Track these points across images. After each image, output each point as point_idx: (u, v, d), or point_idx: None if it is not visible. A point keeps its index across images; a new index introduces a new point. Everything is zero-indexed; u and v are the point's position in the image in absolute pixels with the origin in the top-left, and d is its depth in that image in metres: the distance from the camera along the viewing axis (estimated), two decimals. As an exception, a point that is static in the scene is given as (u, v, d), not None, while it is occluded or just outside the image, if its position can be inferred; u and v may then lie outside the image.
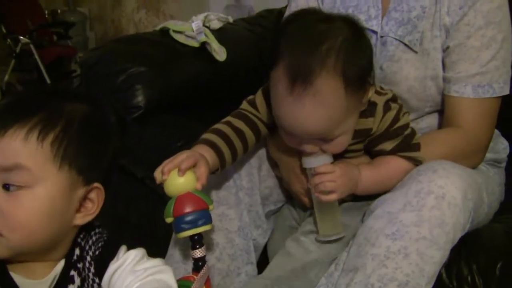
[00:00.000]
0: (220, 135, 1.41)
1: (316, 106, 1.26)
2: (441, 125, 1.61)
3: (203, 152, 1.34)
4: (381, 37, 1.57)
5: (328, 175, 1.35)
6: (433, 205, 1.29)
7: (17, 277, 1.05)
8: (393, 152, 1.41)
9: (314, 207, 1.43)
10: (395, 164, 1.42)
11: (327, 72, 1.25)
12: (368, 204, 1.44)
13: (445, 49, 1.54)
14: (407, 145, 1.41)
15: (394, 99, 1.44)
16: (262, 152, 1.57)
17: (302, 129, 1.29)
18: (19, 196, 1.00)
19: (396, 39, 1.56)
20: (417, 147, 1.42)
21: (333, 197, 1.37)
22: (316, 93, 1.24)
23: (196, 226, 1.23)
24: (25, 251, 1.04)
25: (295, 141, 1.36)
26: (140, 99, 2.09)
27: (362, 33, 1.34)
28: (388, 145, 1.41)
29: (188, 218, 1.23)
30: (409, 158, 1.41)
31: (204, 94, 2.26)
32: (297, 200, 1.55)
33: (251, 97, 1.51)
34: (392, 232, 1.30)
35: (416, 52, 1.55)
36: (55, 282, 1.08)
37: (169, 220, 1.25)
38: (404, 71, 1.56)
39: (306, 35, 1.29)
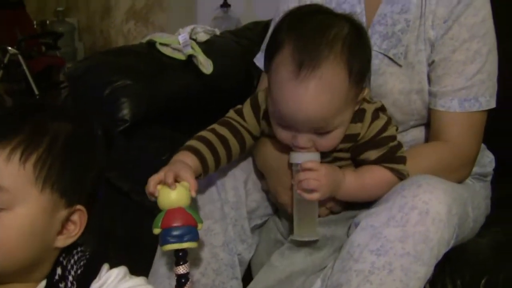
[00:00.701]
0: (203, 141, 1.43)
1: (320, 90, 1.27)
2: (427, 139, 1.61)
3: (185, 159, 1.36)
4: None
5: (313, 173, 1.34)
6: (417, 220, 1.28)
7: None
8: (377, 161, 1.41)
9: (293, 206, 1.42)
10: (379, 174, 1.41)
11: (334, 58, 1.27)
12: (353, 218, 1.43)
13: (430, 63, 1.54)
14: (392, 157, 1.41)
15: (383, 109, 1.45)
16: (248, 165, 1.57)
17: (303, 115, 1.29)
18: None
19: (380, 52, 1.56)
20: (402, 160, 1.42)
21: (315, 196, 1.35)
22: (321, 77, 1.26)
23: (182, 241, 1.22)
24: (5, 271, 1.02)
25: (288, 135, 1.36)
26: (125, 112, 2.08)
27: (364, 31, 1.37)
28: (373, 154, 1.41)
29: (175, 232, 1.22)
30: (393, 170, 1.40)
31: (190, 107, 2.26)
32: (283, 212, 1.54)
33: (238, 106, 1.52)
34: (377, 248, 1.29)
35: (400, 65, 1.55)
36: None
37: (156, 231, 1.25)
38: (389, 84, 1.56)
39: (310, 22, 1.32)
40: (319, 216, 1.45)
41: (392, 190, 1.37)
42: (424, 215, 1.28)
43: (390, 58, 1.56)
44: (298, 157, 1.37)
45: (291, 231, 1.50)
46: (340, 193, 1.40)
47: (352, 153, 1.45)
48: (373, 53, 1.55)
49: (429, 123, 1.59)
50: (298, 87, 1.27)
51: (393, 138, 1.42)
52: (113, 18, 5.31)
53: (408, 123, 1.59)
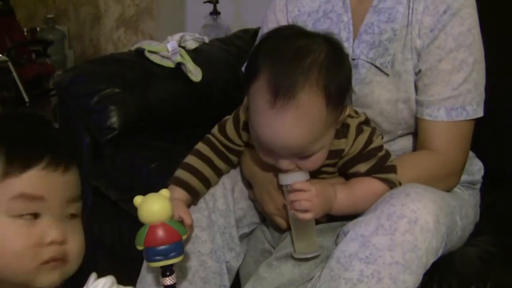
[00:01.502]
0: (188, 170, 1.49)
1: (297, 120, 1.26)
2: (414, 147, 1.61)
3: (174, 195, 1.40)
4: (353, 59, 1.57)
5: (304, 194, 1.34)
6: (406, 229, 1.28)
7: None
8: (368, 173, 1.41)
9: (291, 224, 1.42)
10: (370, 186, 1.40)
11: (309, 87, 1.25)
12: (343, 225, 1.42)
13: (417, 72, 1.54)
14: (382, 167, 1.41)
15: (366, 122, 1.44)
16: (235, 174, 1.57)
17: (281, 143, 1.29)
18: (78, 224, 1.08)
19: (367, 61, 1.56)
20: (392, 169, 1.42)
21: (308, 216, 1.35)
22: (298, 106, 1.25)
23: (167, 258, 1.21)
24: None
25: (271, 158, 1.36)
26: (114, 120, 2.08)
27: (342, 51, 1.35)
28: (362, 167, 1.41)
29: (159, 250, 1.20)
30: (384, 180, 1.40)
31: (179, 115, 2.26)
32: (270, 221, 1.53)
33: (223, 120, 1.52)
34: (366, 256, 1.29)
35: (387, 74, 1.55)
36: None
37: (140, 248, 1.23)
38: (375, 93, 1.56)
39: (287, 48, 1.29)
40: None
41: (380, 199, 1.37)
42: (413, 224, 1.28)
43: (377, 67, 1.56)
44: (287, 179, 1.37)
45: (279, 240, 1.50)
46: (334, 209, 1.40)
47: (341, 168, 1.45)
48: (360, 62, 1.56)
49: (417, 132, 1.59)
50: (275, 117, 1.26)
51: (380, 148, 1.42)
52: (102, 26, 5.30)
53: (396, 132, 1.59)
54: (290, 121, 1.26)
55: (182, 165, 1.50)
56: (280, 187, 1.41)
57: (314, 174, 1.41)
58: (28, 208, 1.00)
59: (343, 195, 1.40)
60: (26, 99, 5.02)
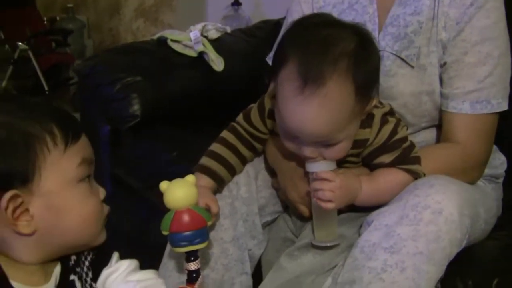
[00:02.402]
0: (214, 157, 1.49)
1: (324, 108, 1.26)
2: (437, 140, 1.61)
3: (200, 182, 1.37)
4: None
5: (328, 184, 1.34)
6: (430, 219, 1.28)
7: (19, 286, 1.04)
8: (392, 164, 1.41)
9: (312, 212, 1.43)
10: (394, 177, 1.40)
11: (338, 75, 1.26)
12: (365, 215, 1.42)
13: (442, 65, 1.54)
14: (406, 158, 1.40)
15: (391, 112, 1.44)
16: (259, 162, 1.57)
17: (307, 131, 1.29)
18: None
19: (392, 54, 1.56)
20: (417, 160, 1.41)
21: (330, 205, 1.35)
22: (326, 95, 1.25)
23: (192, 244, 1.22)
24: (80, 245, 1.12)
25: (295, 145, 1.36)
26: (136, 108, 2.09)
27: (371, 41, 1.35)
28: (387, 158, 1.41)
29: (185, 236, 1.21)
30: (408, 171, 1.40)
31: (200, 104, 2.26)
32: (293, 210, 1.53)
33: (248, 109, 1.52)
34: (390, 245, 1.29)
35: (412, 67, 1.54)
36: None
37: (165, 233, 1.24)
38: (400, 86, 1.56)
39: (317, 36, 1.29)
40: None
41: (405, 190, 1.37)
42: (437, 214, 1.28)
43: (402, 60, 1.55)
44: (313, 167, 1.37)
45: (302, 229, 1.50)
46: (358, 200, 1.40)
47: (365, 159, 1.45)
48: (385, 54, 1.55)
49: (440, 125, 1.59)
50: (303, 104, 1.27)
51: (405, 139, 1.42)
52: (122, 16, 5.31)
53: (419, 124, 1.59)
54: (317, 109, 1.26)
55: (207, 152, 1.50)
56: (305, 175, 1.41)
57: (338, 164, 1.40)
58: (87, 171, 1.08)
59: (368, 186, 1.40)
60: (45, 88, 5.04)
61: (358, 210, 1.46)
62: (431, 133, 1.62)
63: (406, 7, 1.57)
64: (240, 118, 1.53)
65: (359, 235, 1.40)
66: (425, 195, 1.31)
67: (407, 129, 1.46)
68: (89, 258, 1.13)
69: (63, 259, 1.11)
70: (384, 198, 1.40)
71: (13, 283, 1.03)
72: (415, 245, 1.27)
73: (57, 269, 1.10)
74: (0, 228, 1.01)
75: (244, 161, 1.52)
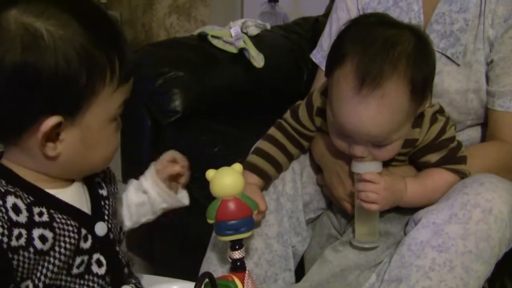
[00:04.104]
0: (262, 156, 1.49)
1: (381, 109, 1.27)
2: (483, 138, 1.60)
3: (249, 180, 1.40)
4: None
5: (372, 186, 1.35)
6: (480, 218, 1.28)
7: (52, 191, 1.05)
8: (438, 164, 1.40)
9: (355, 211, 1.43)
10: (441, 177, 1.40)
11: (397, 77, 1.26)
12: (411, 213, 1.43)
13: (489, 63, 1.53)
14: (453, 158, 1.40)
15: (441, 111, 1.43)
16: (304, 158, 1.57)
17: (362, 131, 1.30)
18: None
19: (438, 51, 1.55)
20: (463, 160, 1.41)
21: (373, 207, 1.36)
22: (384, 96, 1.25)
23: (238, 232, 1.23)
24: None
25: (345, 144, 1.37)
26: (177, 103, 2.10)
27: (429, 43, 1.35)
28: (433, 157, 1.40)
29: (231, 224, 1.22)
30: (455, 171, 1.40)
31: (241, 100, 2.26)
32: (338, 207, 1.53)
33: (295, 105, 1.53)
34: (438, 244, 1.29)
35: (458, 65, 1.54)
36: (85, 187, 1.11)
37: (211, 221, 1.25)
38: (445, 83, 1.55)
39: (375, 37, 1.30)
40: None
41: (453, 188, 1.37)
42: (487, 213, 1.28)
43: (448, 57, 1.55)
44: (359, 167, 1.38)
45: (346, 227, 1.50)
46: (403, 202, 1.40)
47: (412, 157, 1.45)
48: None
49: (486, 123, 1.58)
50: (359, 105, 1.27)
51: (453, 139, 1.41)
52: (155, 11, 5.32)
53: (465, 122, 1.59)
54: (374, 109, 1.26)
55: (254, 150, 1.51)
56: (351, 173, 1.41)
57: (385, 163, 1.41)
58: (121, 111, 1.06)
59: (414, 187, 1.40)
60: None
61: (405, 208, 1.46)
62: (477, 131, 1.61)
63: (452, 4, 1.56)
64: (287, 115, 1.53)
65: (405, 233, 1.41)
66: (475, 193, 1.30)
67: (455, 128, 1.45)
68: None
69: None
70: (431, 198, 1.40)
71: (46, 190, 1.04)
72: (463, 244, 1.27)
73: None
74: (28, 140, 0.99)
75: (291, 158, 1.52)
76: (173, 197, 1.27)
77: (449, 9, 1.57)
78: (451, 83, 1.55)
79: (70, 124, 0.99)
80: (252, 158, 1.50)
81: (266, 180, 1.48)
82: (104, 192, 1.13)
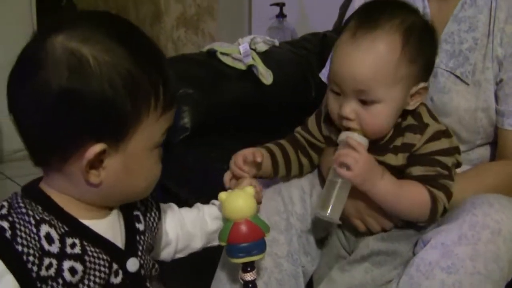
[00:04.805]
0: (275, 143, 1.53)
1: (369, 51, 1.33)
2: (492, 157, 1.60)
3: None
4: None
5: (354, 152, 1.33)
6: (488, 239, 1.27)
7: (86, 222, 1.04)
8: (419, 178, 1.38)
9: (326, 181, 1.40)
10: (417, 190, 1.37)
11: (390, 26, 1.34)
12: (420, 234, 1.43)
13: (498, 82, 1.53)
14: (435, 181, 1.38)
15: (446, 134, 1.42)
16: (313, 177, 1.57)
17: (348, 73, 1.34)
18: None
19: (447, 70, 1.56)
20: (443, 189, 1.38)
21: (347, 174, 1.33)
22: (374, 39, 1.33)
23: (250, 255, 1.23)
24: None
25: (337, 104, 1.38)
26: (186, 120, 2.11)
27: (433, 30, 1.42)
28: (418, 170, 1.39)
29: (243, 247, 1.23)
30: (431, 193, 1.37)
31: (249, 116, 2.28)
32: (347, 223, 1.52)
33: (306, 119, 1.56)
34: (447, 265, 1.28)
35: (468, 84, 1.54)
36: (121, 219, 1.11)
37: (223, 243, 1.25)
38: (454, 102, 1.55)
39: (382, 3, 1.41)
40: (373, 233, 1.47)
41: (461, 209, 1.35)
42: (496, 234, 1.28)
43: (457, 77, 1.56)
44: (345, 135, 1.37)
45: (356, 245, 1.50)
46: (373, 190, 1.36)
47: (400, 168, 1.43)
48: (439, 71, 1.56)
49: (495, 141, 1.58)
50: (351, 46, 1.34)
51: (446, 167, 1.39)
52: (163, 24, 5.33)
53: (474, 142, 1.58)
54: (362, 51, 1.33)
55: (271, 142, 1.54)
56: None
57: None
58: (163, 139, 1.06)
59: (390, 182, 1.37)
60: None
61: (414, 227, 1.46)
62: (486, 150, 1.61)
63: (461, 23, 1.57)
64: (298, 128, 1.56)
65: (414, 253, 1.41)
66: (484, 214, 1.30)
67: (458, 164, 1.44)
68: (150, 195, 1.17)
69: None
70: (397, 204, 1.38)
71: (81, 220, 1.03)
72: (472, 265, 1.27)
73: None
74: (71, 167, 0.98)
75: (301, 167, 1.53)
76: None
77: (458, 28, 1.57)
78: (460, 102, 1.55)
79: (114, 151, 0.99)
80: (269, 145, 1.53)
81: (274, 164, 1.49)
82: (141, 226, 1.13)
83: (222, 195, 1.26)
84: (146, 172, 1.06)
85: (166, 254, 1.30)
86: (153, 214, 1.17)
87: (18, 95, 0.97)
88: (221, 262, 1.52)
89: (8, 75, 0.99)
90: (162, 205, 1.26)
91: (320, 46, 2.55)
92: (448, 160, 1.40)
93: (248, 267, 1.25)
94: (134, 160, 1.01)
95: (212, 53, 2.34)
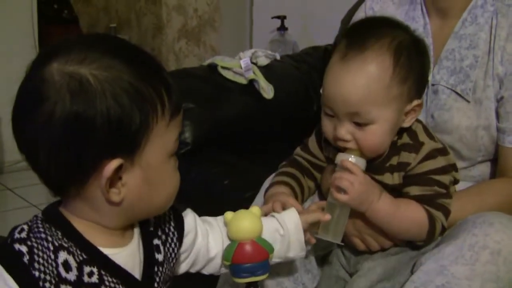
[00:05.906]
0: (286, 174, 1.52)
1: (360, 73, 1.33)
2: (494, 174, 1.60)
3: (279, 190, 1.46)
4: (433, 85, 1.58)
5: (350, 175, 1.33)
6: (487, 260, 1.26)
7: (105, 250, 1.03)
8: (416, 199, 1.38)
9: (325, 205, 1.40)
10: (415, 210, 1.37)
11: (380, 46, 1.34)
12: (418, 253, 1.43)
13: (499, 99, 1.53)
14: (432, 201, 1.38)
15: (443, 152, 1.43)
16: (313, 196, 1.57)
17: (340, 96, 1.33)
18: None
19: (447, 88, 1.56)
20: (442, 209, 1.38)
21: (343, 198, 1.33)
22: (364, 61, 1.33)
23: (254, 275, 1.23)
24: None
25: (331, 126, 1.38)
26: (187, 135, 2.11)
27: (424, 45, 1.42)
28: (415, 190, 1.39)
29: (247, 267, 1.22)
30: (429, 213, 1.37)
31: (251, 131, 2.27)
32: (347, 242, 1.52)
33: (304, 140, 1.56)
34: (442, 284, 1.28)
35: (468, 101, 1.54)
36: (141, 249, 1.09)
37: (227, 263, 1.25)
38: (455, 120, 1.55)
39: (373, 22, 1.44)
40: (372, 252, 1.47)
41: (462, 228, 1.35)
42: (496, 255, 1.27)
43: (457, 94, 1.56)
44: (342, 157, 1.37)
45: (356, 266, 1.50)
46: (370, 211, 1.37)
47: (397, 188, 1.43)
48: (440, 88, 1.56)
49: (497, 159, 1.58)
50: (341, 68, 1.34)
51: (443, 185, 1.39)
52: (164, 36, 5.34)
53: (476, 159, 1.58)
54: (353, 73, 1.33)
55: (275, 178, 1.53)
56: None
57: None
58: (177, 146, 1.06)
59: (387, 203, 1.37)
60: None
61: (413, 246, 1.45)
62: (487, 168, 1.61)
63: (462, 41, 1.57)
64: (298, 150, 1.56)
65: (412, 272, 1.40)
66: (484, 234, 1.29)
67: (455, 182, 1.45)
68: (172, 224, 1.16)
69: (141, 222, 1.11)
70: (395, 225, 1.39)
71: (101, 249, 1.02)
72: (468, 284, 1.26)
73: (137, 230, 1.10)
74: (90, 189, 0.98)
75: (308, 191, 1.54)
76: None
77: (458, 45, 1.58)
78: (461, 120, 1.55)
79: (130, 165, 0.98)
80: (277, 179, 1.52)
81: (294, 194, 1.49)
82: (160, 257, 1.11)
83: (228, 215, 1.26)
84: (165, 182, 1.06)
85: (211, 268, 1.30)
86: (173, 244, 1.15)
87: (26, 131, 0.97)
88: (222, 279, 1.52)
89: (11, 112, 0.99)
90: (200, 223, 1.27)
91: (321, 60, 2.55)
92: (445, 179, 1.40)
93: (252, 286, 1.25)
94: (152, 172, 1.01)
95: (213, 67, 2.34)
